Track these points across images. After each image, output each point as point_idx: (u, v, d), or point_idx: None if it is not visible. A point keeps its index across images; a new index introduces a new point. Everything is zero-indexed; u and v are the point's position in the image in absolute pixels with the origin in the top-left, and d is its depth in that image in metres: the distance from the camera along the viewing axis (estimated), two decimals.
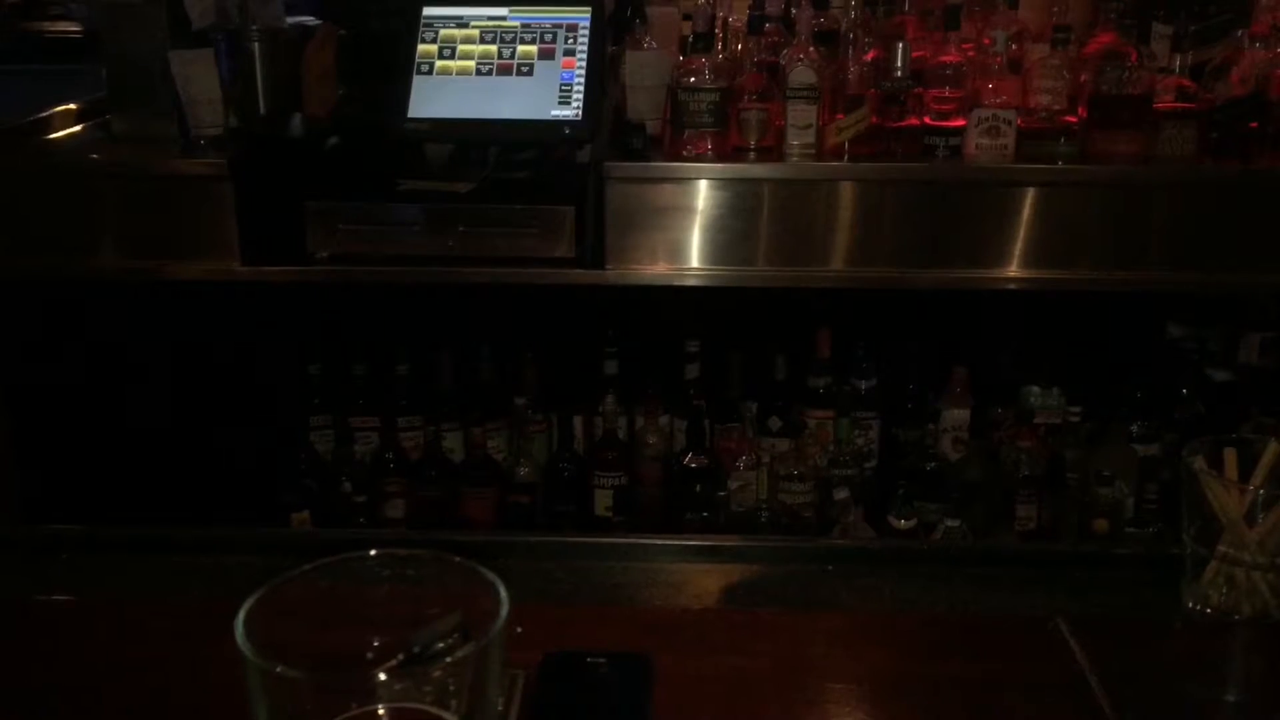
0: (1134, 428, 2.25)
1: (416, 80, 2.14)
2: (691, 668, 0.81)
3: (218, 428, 2.35)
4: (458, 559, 0.57)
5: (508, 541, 1.03)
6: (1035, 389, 2.30)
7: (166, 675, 0.79)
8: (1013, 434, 2.26)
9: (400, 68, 2.14)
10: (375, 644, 0.58)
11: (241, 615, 0.53)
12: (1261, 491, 0.85)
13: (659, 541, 1.00)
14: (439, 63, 2.15)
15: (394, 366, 2.33)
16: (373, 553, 0.57)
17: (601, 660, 0.79)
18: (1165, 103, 2.03)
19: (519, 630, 0.84)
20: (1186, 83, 2.07)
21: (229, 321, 2.29)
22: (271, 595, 0.55)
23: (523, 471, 2.31)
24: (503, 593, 0.56)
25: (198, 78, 2.19)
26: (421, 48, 2.16)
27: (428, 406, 2.35)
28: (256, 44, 2.23)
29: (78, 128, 2.39)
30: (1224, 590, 0.87)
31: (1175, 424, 2.25)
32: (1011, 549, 0.98)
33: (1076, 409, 2.27)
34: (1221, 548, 0.86)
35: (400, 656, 0.60)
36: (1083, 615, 0.87)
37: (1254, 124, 2.03)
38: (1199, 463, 0.88)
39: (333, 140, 2.18)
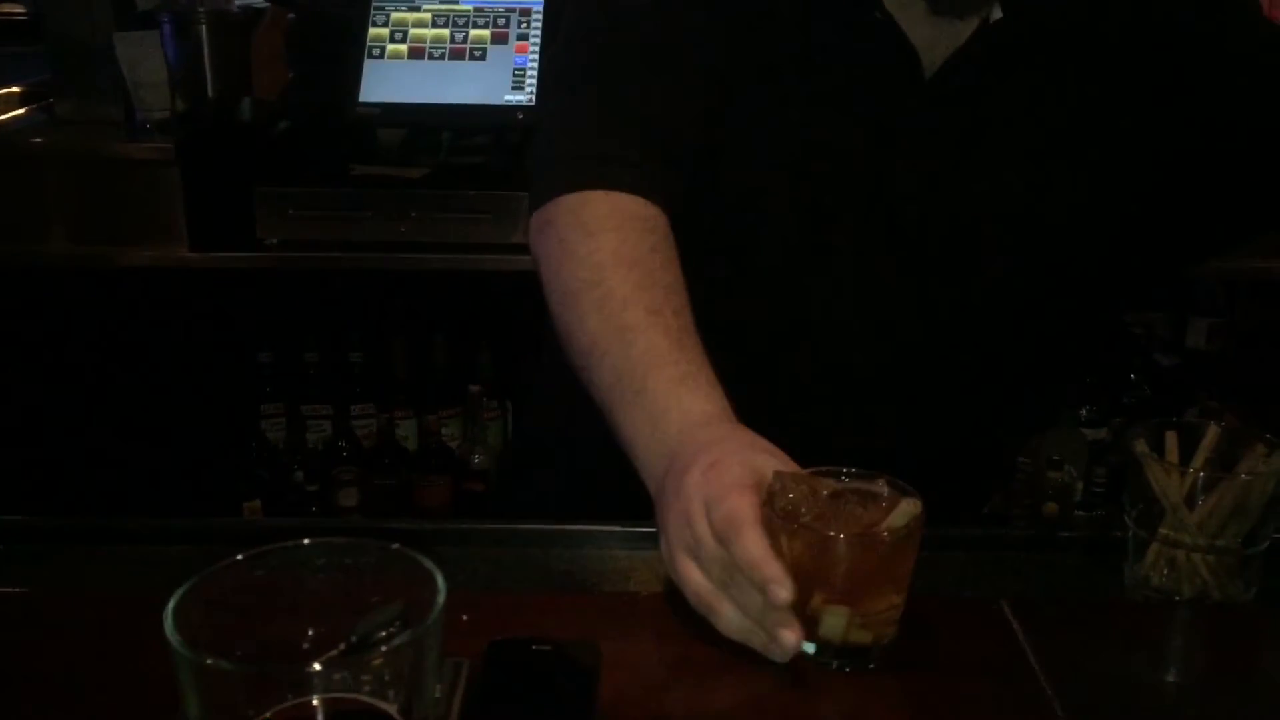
0: (1083, 412, 2.27)
1: (368, 64, 2.12)
2: (640, 654, 0.81)
3: (167, 416, 2.32)
4: (395, 546, 0.56)
5: (456, 529, 1.02)
6: None
7: (104, 668, 0.78)
8: None
9: (351, 51, 2.12)
10: (311, 634, 0.58)
11: (171, 606, 0.52)
12: (1202, 474, 0.86)
13: (609, 528, 0.99)
14: (390, 46, 2.13)
15: (346, 354, 2.31)
16: (306, 541, 0.56)
17: (548, 647, 0.79)
18: None
19: (465, 618, 0.84)
20: None
21: (177, 308, 2.26)
22: (203, 586, 0.54)
23: (477, 459, 2.30)
24: (440, 581, 0.55)
25: (143, 60, 2.16)
26: (373, 31, 2.14)
27: (381, 394, 2.34)
28: (204, 26, 2.19)
29: (21, 111, 2.34)
30: (1165, 572, 0.88)
31: (1124, 409, 2.28)
32: (958, 533, 0.98)
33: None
34: (1163, 530, 0.87)
35: (342, 647, 0.60)
36: (1026, 597, 0.88)
37: None
38: (1141, 446, 0.89)
39: (282, 124, 2.15)
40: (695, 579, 0.77)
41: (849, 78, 1.01)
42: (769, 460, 0.79)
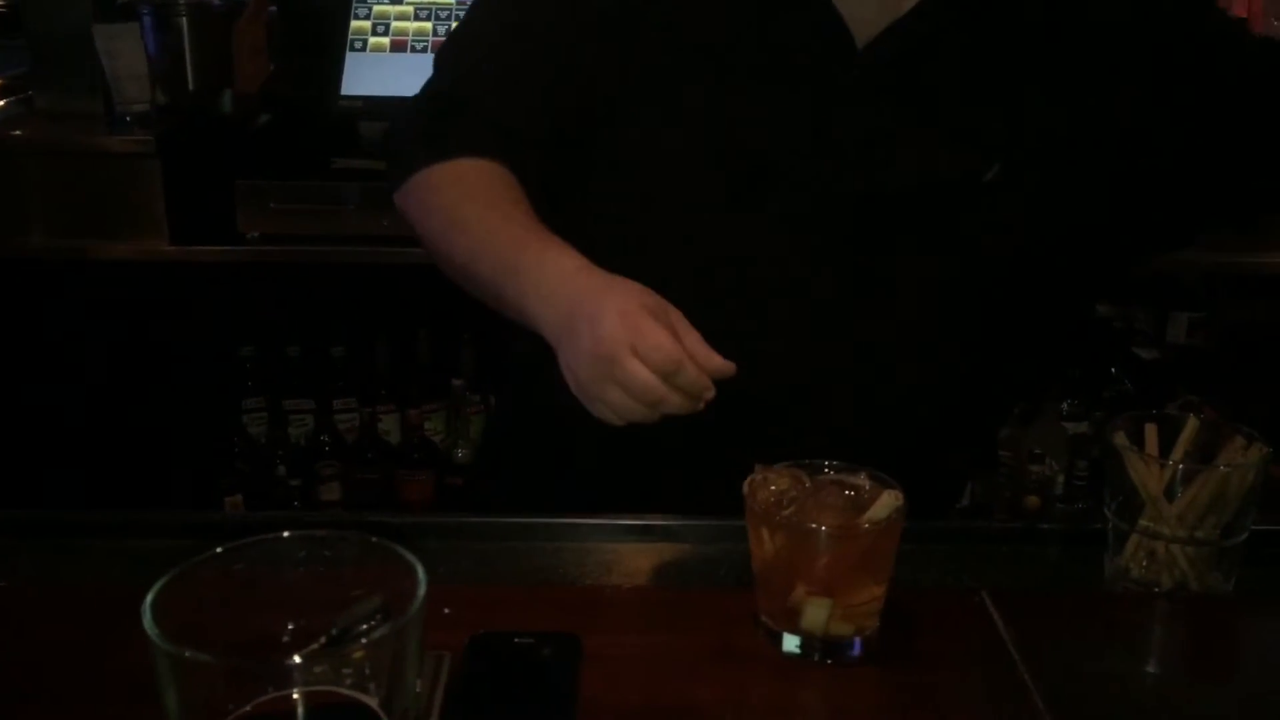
0: (1064, 406, 2.28)
1: (349, 57, 2.11)
2: (621, 647, 0.81)
3: (147, 411, 2.30)
4: (375, 539, 0.56)
5: (437, 522, 1.02)
6: None
7: (82, 662, 0.77)
8: None
9: (332, 44, 2.11)
10: (291, 627, 0.57)
11: (149, 599, 0.52)
12: (1181, 466, 0.87)
13: (590, 521, 0.99)
14: (372, 39, 2.12)
15: (328, 348, 2.30)
16: (286, 534, 0.56)
17: (529, 640, 0.79)
18: None
19: (446, 611, 0.84)
20: None
21: (158, 302, 2.25)
22: (182, 579, 0.54)
23: (461, 453, 2.30)
24: (421, 573, 0.55)
25: (123, 53, 2.14)
26: (355, 24, 2.13)
27: (363, 389, 2.33)
28: (185, 18, 2.18)
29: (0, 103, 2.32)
30: (1144, 563, 0.89)
31: (1104, 402, 2.29)
32: (940, 526, 0.98)
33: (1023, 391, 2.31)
34: (1142, 522, 0.88)
35: (323, 640, 0.59)
36: (1007, 588, 0.88)
37: None
38: (1120, 438, 0.89)
39: (264, 117, 2.14)
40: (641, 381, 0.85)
41: (780, 49, 1.02)
42: (650, 297, 0.88)
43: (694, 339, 0.86)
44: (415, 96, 1.13)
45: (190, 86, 2.19)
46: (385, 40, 2.12)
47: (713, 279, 1.03)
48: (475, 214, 1.01)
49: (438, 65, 1.13)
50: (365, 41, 2.12)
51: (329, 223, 2.05)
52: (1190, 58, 1.04)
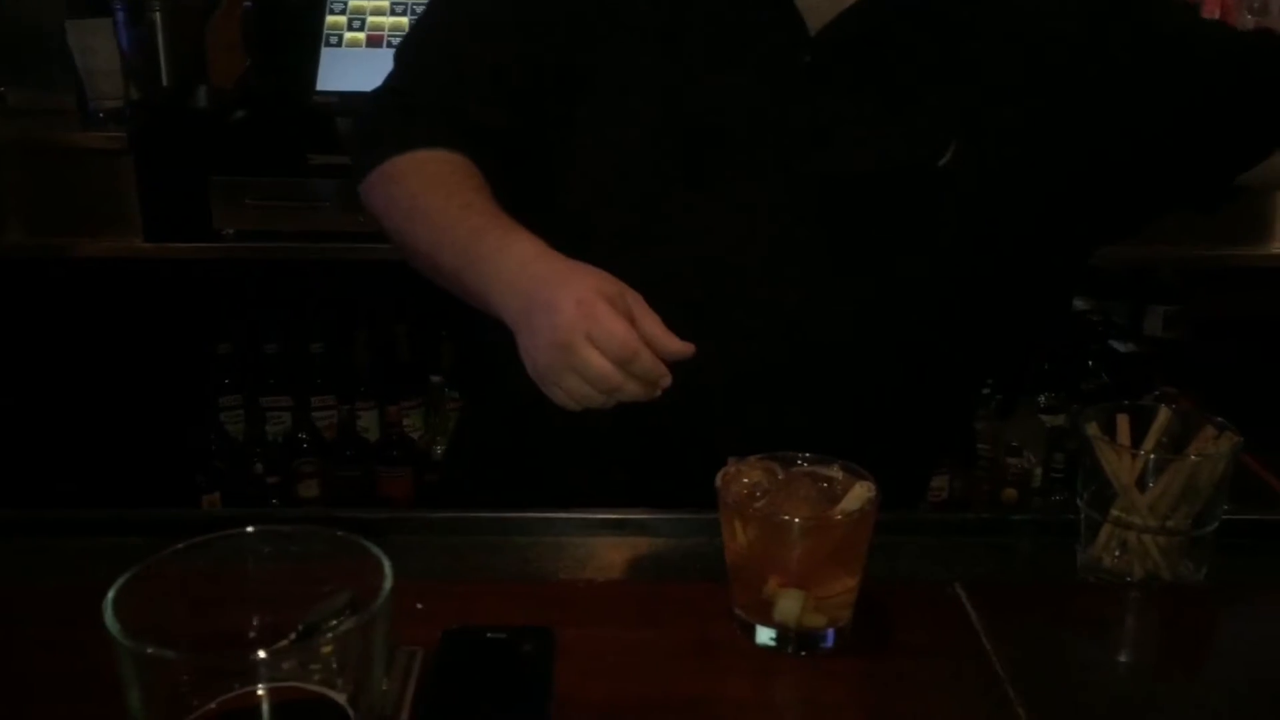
0: (1042, 399, 2.29)
1: (325, 52, 2.09)
2: (595, 641, 0.80)
3: (124, 410, 2.29)
4: (340, 534, 0.56)
5: (411, 518, 1.02)
6: None
7: (49, 660, 0.77)
8: None
9: (308, 39, 2.09)
10: (257, 624, 0.57)
11: (110, 596, 0.51)
12: (1152, 456, 0.87)
13: (564, 516, 0.99)
14: (348, 34, 2.11)
15: (306, 345, 2.29)
16: (250, 529, 0.56)
17: (503, 635, 0.79)
18: None
19: (419, 606, 0.84)
20: None
21: (133, 300, 2.23)
22: (144, 575, 0.53)
23: (440, 450, 2.29)
24: (387, 568, 0.55)
25: (97, 49, 2.12)
26: (330, 19, 2.12)
27: (342, 386, 2.31)
28: (158, 14, 2.16)
29: None
30: (1116, 554, 0.89)
31: (1082, 395, 2.30)
32: (914, 518, 0.99)
33: (987, 381, 2.31)
34: (1114, 512, 0.88)
35: (293, 636, 0.59)
36: (980, 579, 0.88)
37: None
38: (1093, 429, 0.90)
39: (238, 113, 2.13)
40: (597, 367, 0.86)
41: (734, 34, 1.03)
42: (608, 284, 0.89)
43: (652, 322, 0.87)
44: (375, 91, 1.14)
45: (164, 82, 2.17)
46: (361, 35, 2.10)
47: (673, 263, 1.03)
48: (436, 204, 1.02)
49: (397, 60, 1.14)
50: (341, 37, 2.11)
51: (306, 219, 2.04)
52: (1141, 42, 1.04)
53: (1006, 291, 1.10)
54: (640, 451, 1.06)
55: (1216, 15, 2.13)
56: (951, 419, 1.21)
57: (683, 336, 0.88)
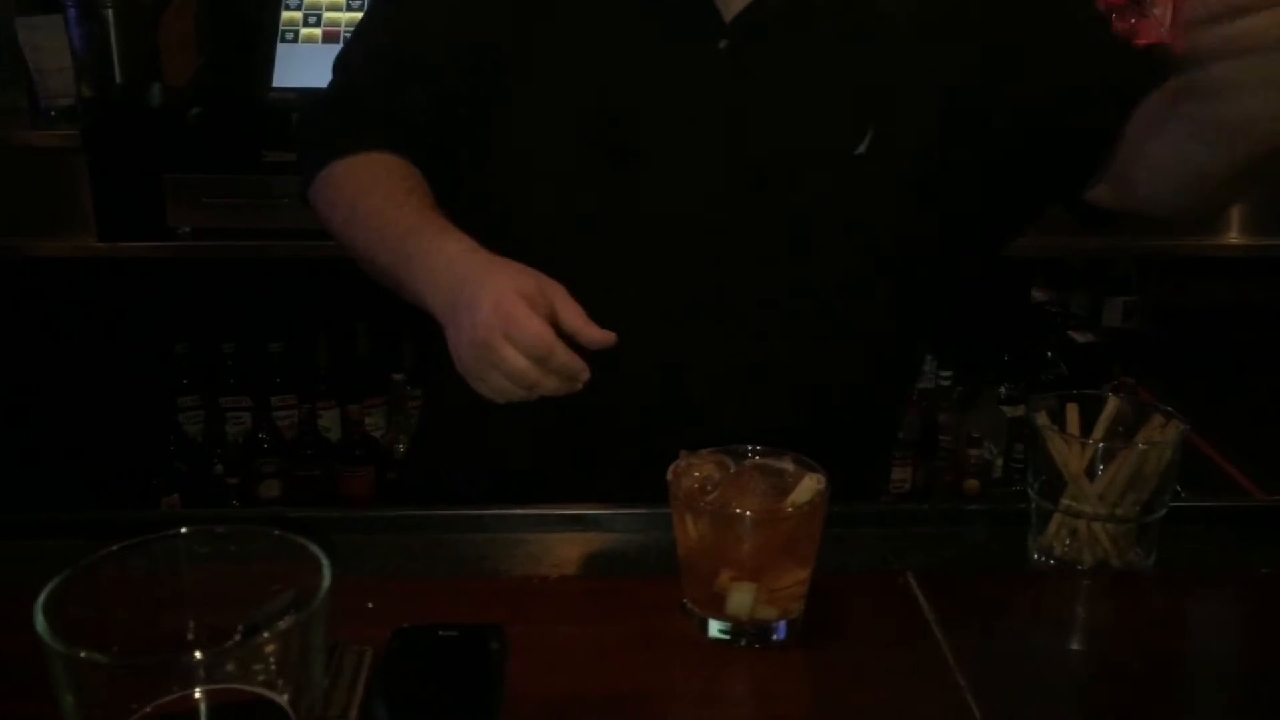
0: (1002, 390, 2.31)
1: (280, 48, 2.07)
2: (547, 637, 0.80)
3: (80, 411, 2.26)
4: (278, 532, 0.55)
5: (365, 516, 1.01)
6: None
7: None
8: None
9: (263, 35, 2.07)
10: (195, 626, 0.56)
11: (41, 600, 0.50)
12: (1100, 445, 0.88)
13: (520, 511, 0.98)
14: (304, 30, 2.09)
15: (265, 344, 2.27)
16: (184, 530, 0.55)
17: (453, 633, 0.78)
18: None
19: (370, 605, 0.83)
20: None
21: (88, 300, 2.20)
22: (77, 578, 0.53)
23: (402, 448, 2.27)
24: (326, 566, 0.54)
25: (47, 46, 2.09)
26: (285, 14, 2.10)
27: (302, 385, 2.29)
28: (110, 10, 2.12)
29: None
30: (1067, 542, 0.90)
31: (1042, 386, 2.32)
32: (867, 510, 0.99)
33: (948, 373, 2.33)
34: (1064, 501, 0.89)
35: (237, 637, 0.58)
36: (932, 570, 0.89)
37: None
38: (1042, 418, 0.90)
39: (193, 111, 2.10)
40: (514, 366, 0.89)
41: (651, 23, 1.05)
42: (529, 280, 0.91)
43: (572, 314, 0.90)
44: (315, 99, 1.19)
45: (117, 79, 2.14)
46: (317, 31, 2.08)
47: (600, 250, 1.05)
48: (373, 206, 1.05)
49: (334, 67, 1.17)
50: (297, 33, 2.09)
51: (262, 216, 2.01)
52: (1035, 17, 1.05)
53: (930, 272, 1.11)
54: (590, 442, 1.07)
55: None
56: (890, 399, 1.21)
57: (612, 323, 0.90)
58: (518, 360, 0.88)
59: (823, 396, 1.09)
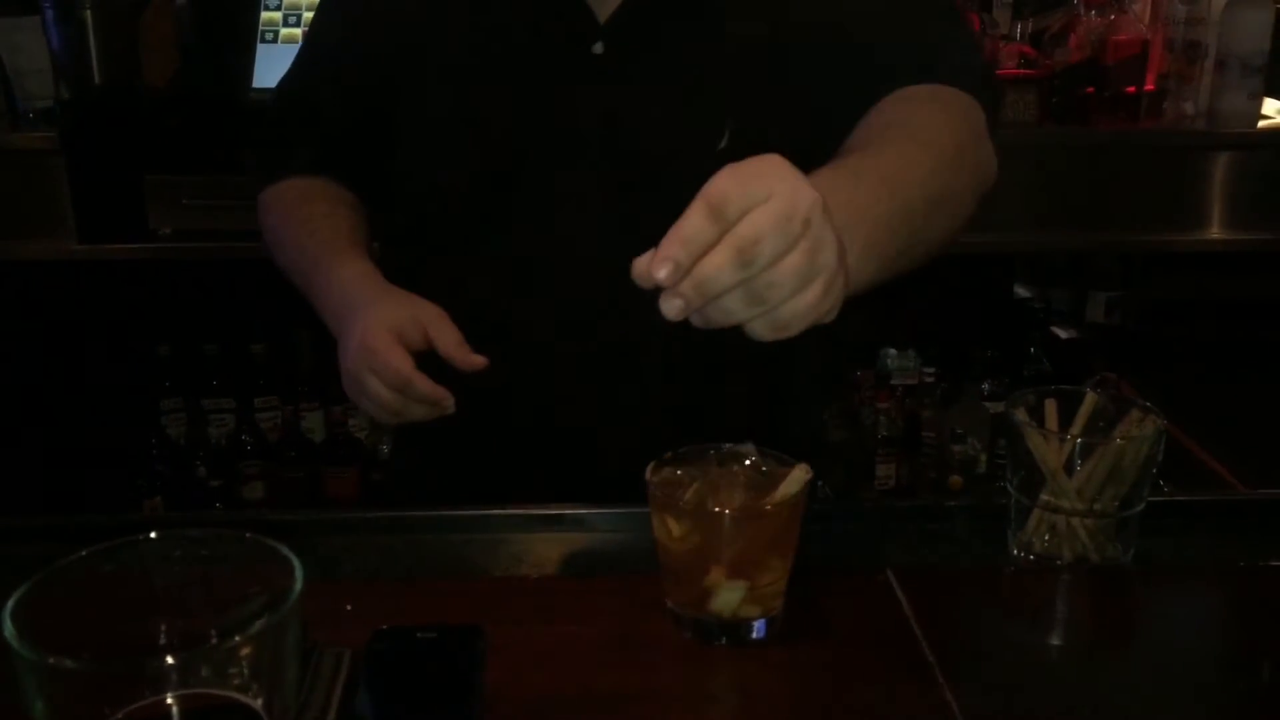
0: (985, 386, 2.31)
1: (260, 49, 2.07)
2: (527, 638, 0.80)
3: (63, 414, 2.25)
4: (249, 535, 0.55)
5: (344, 518, 1.01)
6: (892, 351, 2.35)
7: None
8: (872, 396, 2.31)
9: (243, 36, 2.07)
10: (167, 630, 0.56)
11: (10, 606, 0.50)
12: (1079, 440, 0.88)
13: (500, 512, 0.98)
14: (284, 30, 2.08)
15: (248, 345, 2.26)
16: (154, 534, 0.55)
17: (432, 635, 0.78)
18: (1008, 69, 2.09)
19: (349, 607, 0.83)
20: (1028, 49, 2.13)
21: (69, 302, 2.19)
22: (46, 583, 0.52)
23: (386, 449, 2.27)
24: (298, 569, 0.54)
25: (24, 47, 2.08)
26: (265, 15, 2.09)
27: (285, 386, 2.29)
28: (89, 11, 2.11)
29: None
30: (1046, 537, 0.90)
31: (1025, 381, 2.33)
32: (848, 506, 0.99)
33: (931, 370, 2.33)
34: (1043, 496, 0.89)
35: (213, 641, 0.58)
36: (911, 566, 0.89)
37: (1090, 89, 2.09)
38: (1021, 414, 0.90)
39: (173, 112, 2.09)
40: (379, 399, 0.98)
41: (529, 32, 1.06)
42: (401, 310, 0.99)
43: (446, 341, 0.98)
44: (260, 119, 1.26)
45: (96, 81, 2.13)
46: (297, 31, 2.07)
47: (501, 259, 1.08)
48: (290, 234, 1.13)
49: (274, 91, 1.24)
50: (276, 33, 2.08)
51: (243, 217, 1.96)
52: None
53: None
54: (540, 443, 1.11)
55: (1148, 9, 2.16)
56: (801, 386, 1.21)
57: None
58: (380, 391, 0.96)
59: (736, 370, 1.10)
